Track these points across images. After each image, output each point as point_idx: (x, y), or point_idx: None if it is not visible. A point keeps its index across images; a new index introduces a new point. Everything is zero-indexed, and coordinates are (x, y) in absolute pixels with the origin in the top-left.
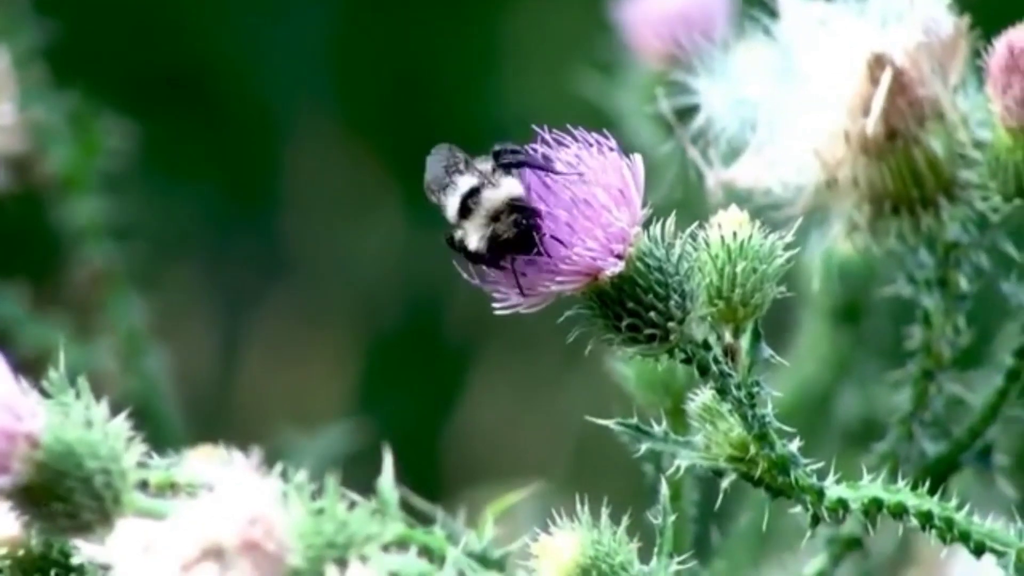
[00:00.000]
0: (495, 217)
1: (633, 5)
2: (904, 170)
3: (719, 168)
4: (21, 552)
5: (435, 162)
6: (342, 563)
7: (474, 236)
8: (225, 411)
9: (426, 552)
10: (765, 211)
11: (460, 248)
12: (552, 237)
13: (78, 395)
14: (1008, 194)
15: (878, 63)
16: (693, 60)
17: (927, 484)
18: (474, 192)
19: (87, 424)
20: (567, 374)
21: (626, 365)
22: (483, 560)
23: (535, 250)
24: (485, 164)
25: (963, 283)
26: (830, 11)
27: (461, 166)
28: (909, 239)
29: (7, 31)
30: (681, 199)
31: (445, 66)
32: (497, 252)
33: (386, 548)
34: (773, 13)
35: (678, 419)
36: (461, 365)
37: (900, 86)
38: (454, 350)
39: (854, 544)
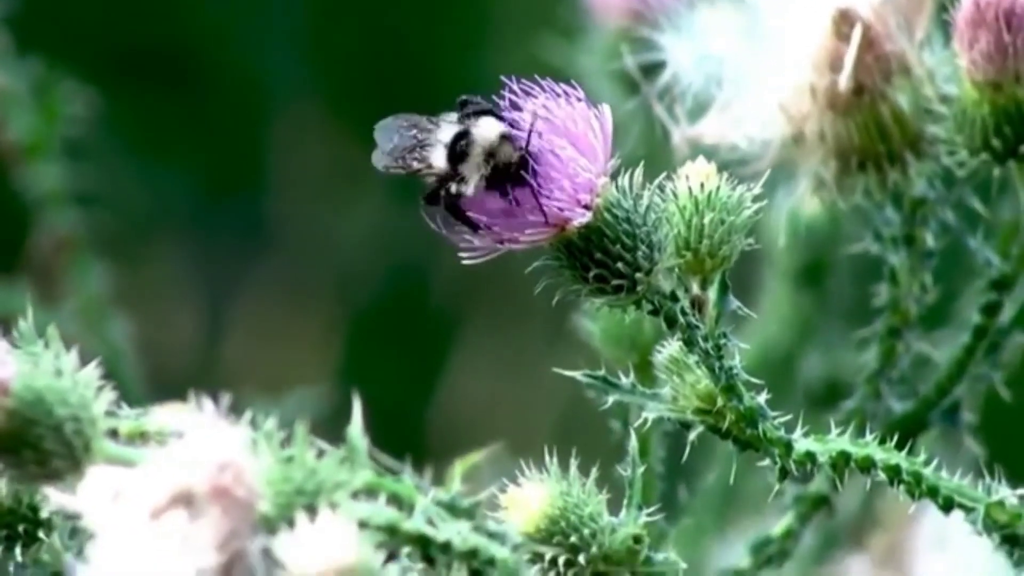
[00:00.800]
0: (491, 152)
1: None
2: (871, 125)
3: (685, 124)
4: None
5: (390, 131)
6: (312, 510)
7: (474, 175)
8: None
9: (395, 501)
10: (732, 167)
11: (449, 199)
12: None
13: (47, 346)
14: (975, 148)
15: (844, 18)
16: (657, 17)
17: (895, 439)
18: (462, 135)
19: (57, 373)
20: (550, 347)
21: (592, 320)
22: (452, 509)
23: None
24: (451, 117)
25: (930, 240)
26: None
27: (428, 124)
28: (876, 195)
29: None
30: (646, 156)
31: (424, 42)
32: (499, 182)
33: (355, 496)
34: None
35: (645, 374)
36: (444, 339)
37: (866, 41)
38: (437, 324)
39: (821, 502)
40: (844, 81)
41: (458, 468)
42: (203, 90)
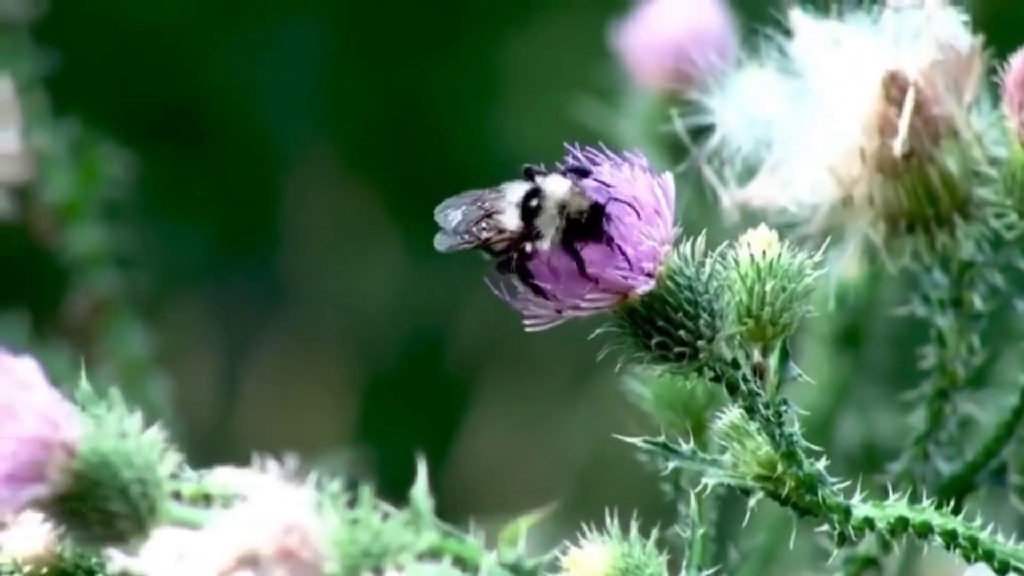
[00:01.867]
0: (564, 204)
1: (634, 31)
2: (919, 188)
3: (734, 188)
4: (44, 570)
5: (451, 210)
6: (378, 572)
7: (549, 230)
8: (225, 444)
9: (459, 562)
10: (781, 231)
11: (522, 260)
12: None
13: (109, 408)
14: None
15: (893, 81)
16: (703, 81)
17: (951, 503)
18: (533, 193)
19: (122, 434)
20: (567, 406)
21: (643, 384)
22: (516, 570)
23: (605, 234)
24: (514, 185)
25: (978, 302)
26: (843, 29)
27: (491, 194)
28: (924, 258)
29: (8, 59)
30: (695, 220)
31: (441, 98)
32: (574, 236)
33: (420, 557)
34: (787, 32)
35: (697, 438)
36: (461, 398)
37: (915, 104)
38: (454, 383)
39: (870, 563)
40: (899, 146)
41: (520, 527)
42: (218, 147)
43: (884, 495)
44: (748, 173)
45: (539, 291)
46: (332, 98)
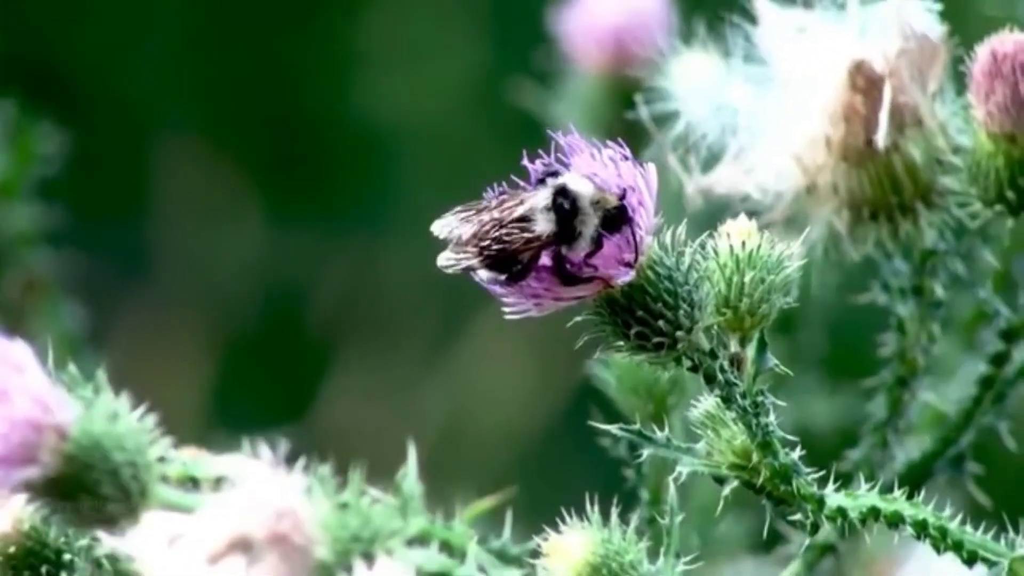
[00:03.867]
0: (597, 201)
1: (573, 14)
2: (883, 176)
3: (698, 174)
4: (12, 549)
5: (456, 224)
6: (368, 557)
7: (588, 228)
8: None
9: (446, 548)
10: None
11: (561, 259)
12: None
13: (96, 390)
14: (988, 199)
15: (859, 70)
16: (646, 64)
17: (921, 494)
18: (561, 193)
19: (112, 417)
20: (425, 371)
21: (607, 370)
22: (502, 556)
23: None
24: (531, 191)
25: (938, 291)
26: (809, 18)
27: (499, 203)
28: (887, 246)
29: None
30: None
31: (302, 70)
32: (609, 229)
33: (409, 543)
34: (753, 20)
35: (660, 423)
36: (320, 363)
37: (879, 92)
38: (313, 348)
39: (828, 550)
40: (881, 140)
41: (466, 516)
42: (84, 116)
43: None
44: (711, 161)
45: (576, 279)
46: (195, 68)
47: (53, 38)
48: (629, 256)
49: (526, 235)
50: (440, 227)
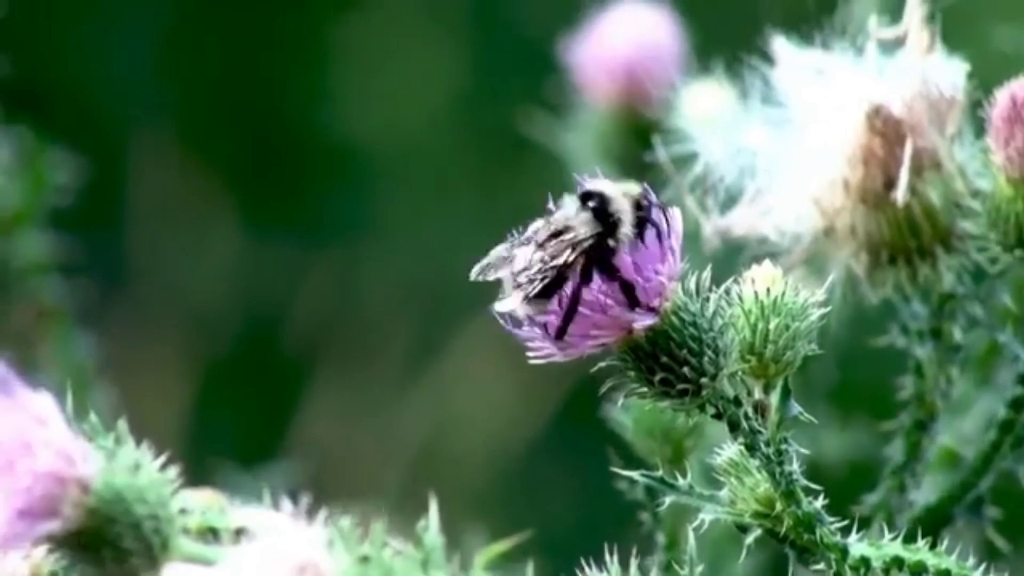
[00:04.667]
0: (636, 200)
1: (584, 46)
2: (902, 220)
3: (716, 216)
4: None
5: (504, 264)
6: None
7: (627, 213)
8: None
9: None
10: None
11: (603, 258)
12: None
13: (118, 440)
14: (1008, 244)
15: (877, 113)
16: (658, 98)
17: (944, 542)
18: (587, 196)
19: (134, 468)
20: (402, 392)
21: (624, 413)
22: None
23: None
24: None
25: (957, 334)
26: (827, 60)
27: (533, 231)
28: (906, 289)
29: None
30: None
31: (283, 82)
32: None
33: None
34: (771, 61)
35: (677, 467)
36: (297, 381)
37: (898, 136)
38: (290, 366)
39: None
40: (901, 195)
41: (482, 562)
42: (57, 122)
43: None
44: (728, 202)
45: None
46: (171, 77)
47: (21, 44)
48: (654, 301)
49: (570, 241)
50: (485, 272)
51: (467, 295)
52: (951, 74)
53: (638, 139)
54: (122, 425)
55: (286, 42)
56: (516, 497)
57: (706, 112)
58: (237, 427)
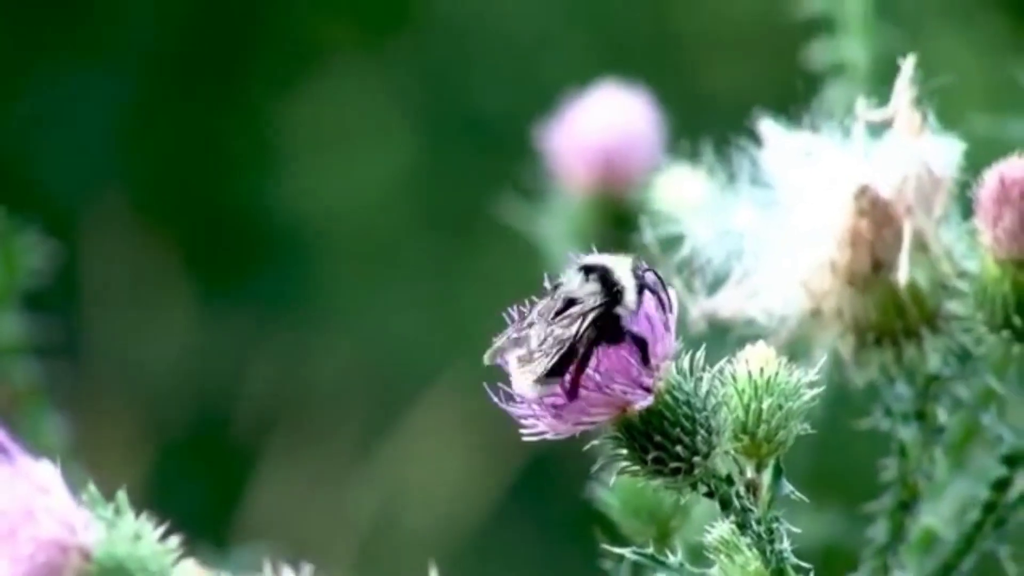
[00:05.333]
0: (635, 270)
1: (560, 132)
2: (888, 301)
3: (702, 298)
4: None
5: (517, 344)
6: None
7: (629, 279)
8: None
9: None
10: (747, 341)
11: (610, 319)
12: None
13: (117, 510)
14: (995, 325)
15: (864, 195)
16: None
17: None
18: (587, 268)
19: (135, 538)
20: (355, 471)
21: (610, 493)
22: None
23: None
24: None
25: (941, 415)
26: (814, 141)
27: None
28: (891, 370)
29: None
30: None
31: (234, 161)
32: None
33: None
34: (759, 142)
35: (664, 547)
36: (248, 459)
37: (886, 218)
38: (241, 444)
39: None
40: (902, 277)
41: None
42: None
43: None
44: (715, 283)
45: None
46: (123, 154)
47: None
48: (647, 381)
49: (580, 312)
50: (499, 355)
51: (419, 371)
52: (946, 153)
53: (615, 224)
54: (121, 496)
55: (239, 119)
56: (469, 572)
57: (681, 197)
58: (191, 504)
